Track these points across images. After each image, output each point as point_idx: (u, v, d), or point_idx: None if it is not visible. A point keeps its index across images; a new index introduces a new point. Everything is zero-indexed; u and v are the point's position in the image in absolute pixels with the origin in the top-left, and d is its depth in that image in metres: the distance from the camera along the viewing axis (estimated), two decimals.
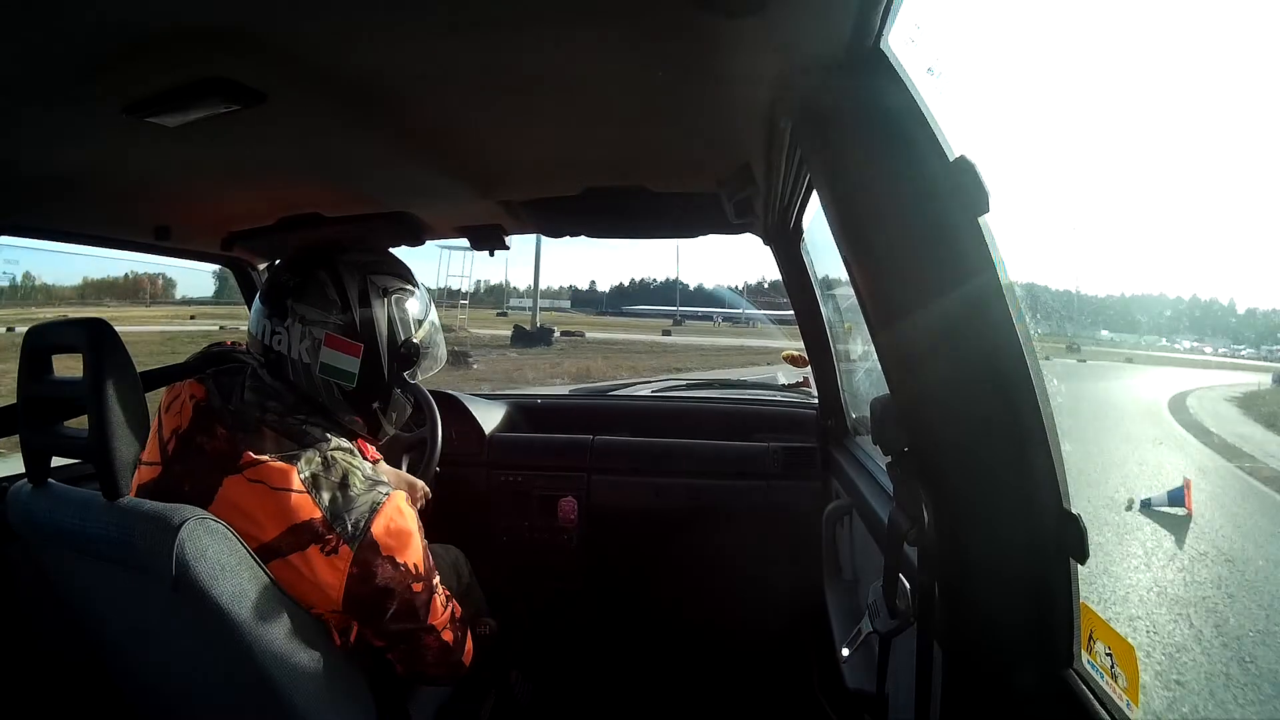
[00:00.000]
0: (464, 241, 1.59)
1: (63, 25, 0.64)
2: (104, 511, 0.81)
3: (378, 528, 0.87)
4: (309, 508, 0.85)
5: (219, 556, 0.78)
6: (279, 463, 0.86)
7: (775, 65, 0.64)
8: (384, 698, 1.01)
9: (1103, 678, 0.56)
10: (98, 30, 0.66)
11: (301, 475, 0.86)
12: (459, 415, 1.92)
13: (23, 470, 0.94)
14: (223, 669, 0.87)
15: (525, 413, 2.14)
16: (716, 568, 1.84)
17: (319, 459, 0.88)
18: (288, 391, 0.92)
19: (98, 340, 0.80)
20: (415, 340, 0.98)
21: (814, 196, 1.12)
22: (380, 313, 0.94)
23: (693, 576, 1.87)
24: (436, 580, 0.97)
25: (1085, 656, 0.58)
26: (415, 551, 0.92)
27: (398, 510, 0.90)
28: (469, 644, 1.07)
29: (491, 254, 1.63)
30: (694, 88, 0.82)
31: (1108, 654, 0.56)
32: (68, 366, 0.90)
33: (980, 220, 0.57)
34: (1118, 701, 0.55)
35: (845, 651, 0.81)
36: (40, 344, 0.89)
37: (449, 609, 1.01)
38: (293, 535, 0.84)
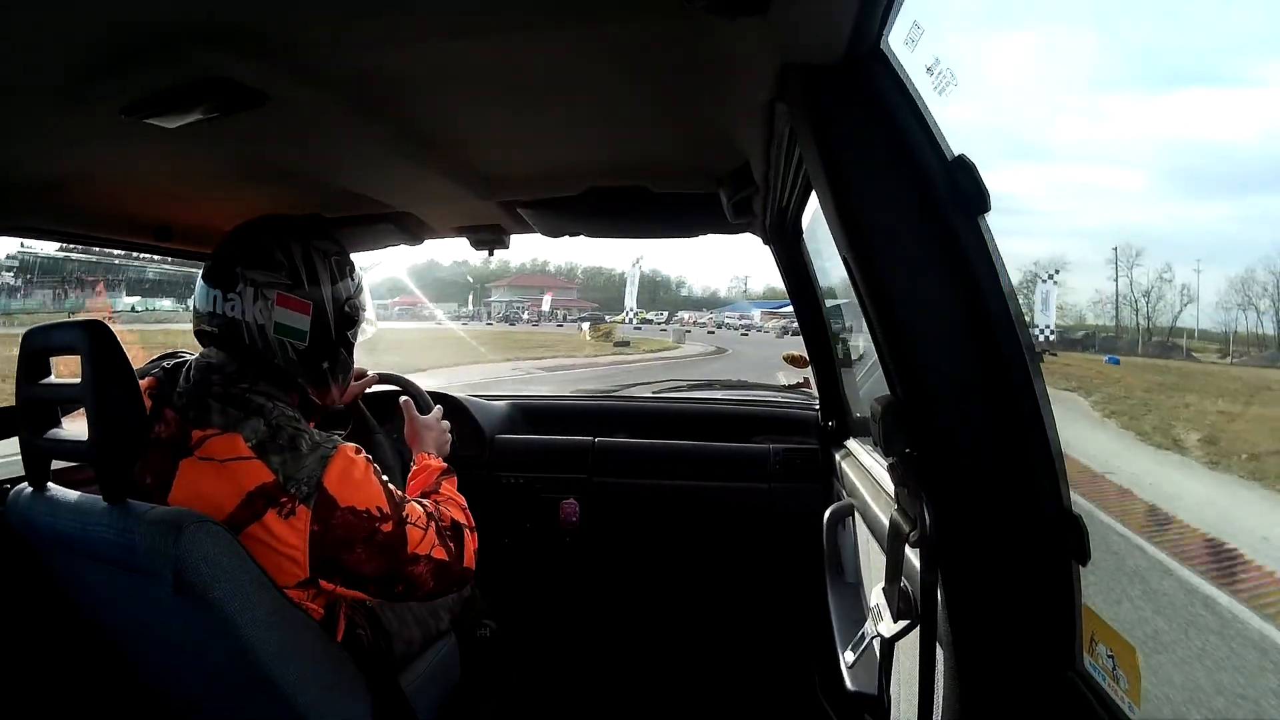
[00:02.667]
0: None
1: (62, 26, 0.64)
2: (105, 515, 0.81)
3: (330, 479, 0.87)
4: (260, 472, 0.85)
5: (220, 559, 0.78)
6: (224, 435, 0.87)
7: (775, 65, 0.64)
8: (387, 698, 1.01)
9: (1104, 680, 0.56)
10: (97, 31, 0.65)
11: (249, 443, 0.87)
12: (460, 416, 1.91)
13: (22, 473, 0.94)
14: (225, 670, 0.87)
15: (526, 413, 2.14)
16: (718, 570, 1.84)
17: (264, 425, 0.89)
18: (232, 361, 0.94)
19: (97, 342, 0.80)
20: (356, 301, 1.03)
21: (813, 196, 1.12)
22: (324, 274, 0.99)
23: (694, 578, 1.87)
24: (406, 510, 0.94)
25: (1087, 658, 0.58)
26: (374, 493, 0.91)
27: (348, 459, 0.90)
28: (468, 545, 1.03)
29: (490, 254, 1.63)
30: (694, 88, 0.82)
31: (1109, 656, 0.56)
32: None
33: (980, 220, 0.57)
34: (1119, 703, 0.55)
35: (849, 656, 0.81)
36: (39, 346, 0.89)
37: (430, 528, 0.97)
38: (248, 504, 0.84)
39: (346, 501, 0.88)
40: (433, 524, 0.98)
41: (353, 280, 1.04)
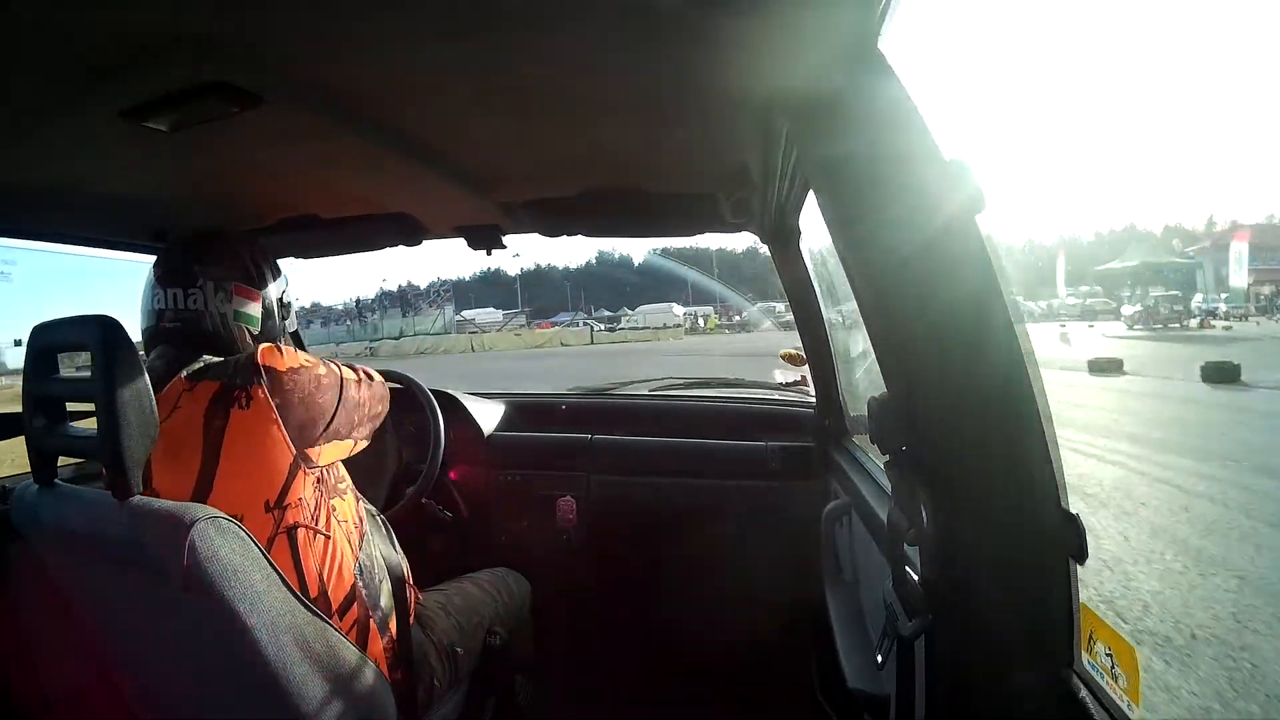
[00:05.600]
0: None
1: (61, 30, 0.64)
2: (113, 511, 0.80)
3: (264, 358, 0.95)
4: (206, 388, 0.93)
5: (231, 557, 0.78)
6: (165, 390, 0.93)
7: (773, 65, 0.64)
8: (401, 701, 1.01)
9: (1103, 678, 0.56)
10: (95, 35, 0.65)
11: (186, 378, 0.95)
12: (458, 415, 1.91)
13: (26, 470, 0.94)
14: (234, 670, 0.86)
15: (523, 412, 2.14)
16: (716, 568, 1.84)
17: (201, 363, 0.98)
18: (189, 347, 1.01)
19: (107, 338, 0.79)
20: (285, 295, 1.16)
21: (810, 195, 1.12)
22: (266, 270, 1.11)
23: (692, 576, 1.87)
24: (345, 372, 1.06)
25: (1085, 657, 0.58)
26: (306, 356, 1.01)
27: (268, 346, 0.98)
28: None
29: (489, 253, 1.63)
30: (692, 88, 0.82)
31: (1108, 654, 0.56)
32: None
33: (976, 220, 0.57)
34: (1118, 702, 0.55)
35: (879, 659, 0.81)
36: (47, 342, 0.88)
37: (346, 372, 1.08)
38: (209, 424, 0.91)
39: (287, 365, 0.97)
40: (347, 369, 1.09)
41: (284, 278, 1.17)
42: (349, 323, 38.96)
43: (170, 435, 0.89)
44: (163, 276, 1.03)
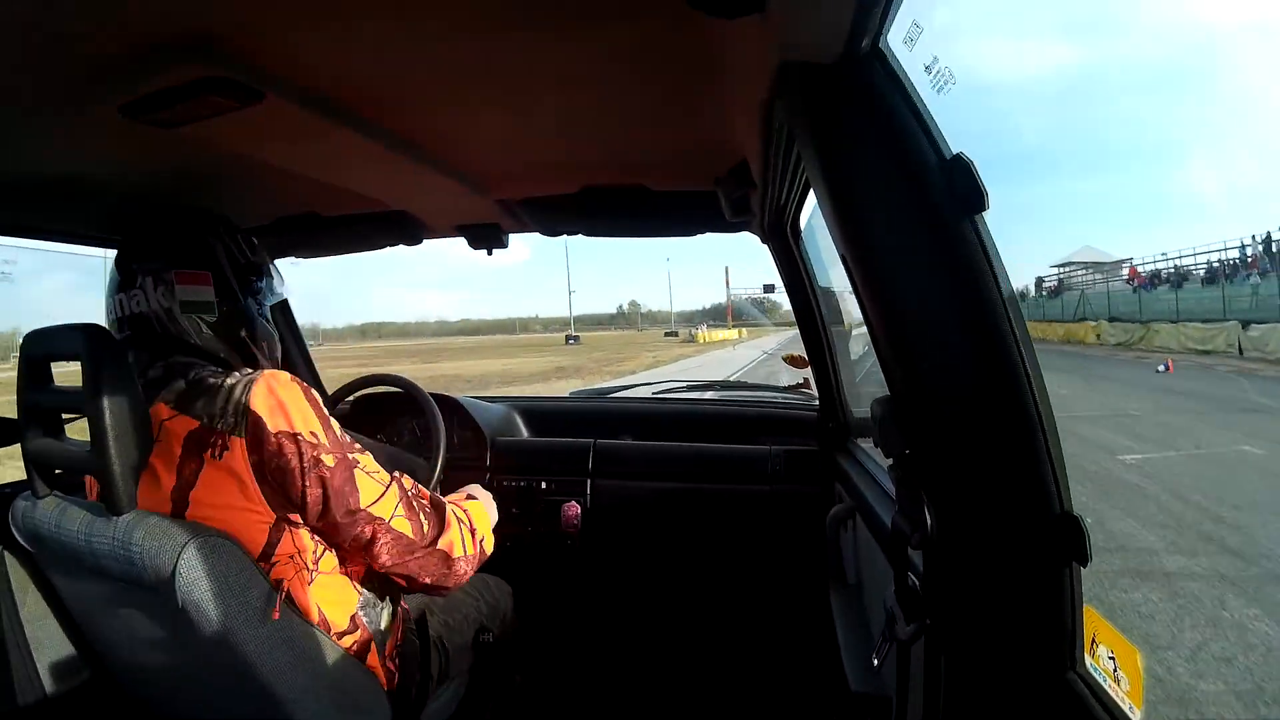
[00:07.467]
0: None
1: (61, 28, 0.64)
2: (108, 526, 0.79)
3: (257, 402, 0.82)
4: (184, 424, 0.82)
5: (224, 573, 0.77)
6: (150, 408, 0.84)
7: (773, 64, 0.64)
8: (395, 702, 1.01)
9: (1105, 681, 0.56)
10: (96, 33, 0.65)
11: (169, 404, 0.84)
12: (460, 419, 1.91)
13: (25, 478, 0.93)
14: (229, 685, 0.86)
15: (526, 416, 2.14)
16: (719, 572, 1.83)
17: (183, 383, 0.86)
18: (150, 350, 0.91)
19: (97, 348, 0.78)
20: (254, 258, 1.00)
21: (812, 194, 1.12)
22: (215, 244, 0.97)
23: (696, 580, 1.87)
24: (356, 455, 0.89)
25: (1088, 660, 0.58)
26: (309, 418, 0.85)
27: (276, 380, 0.85)
28: (456, 539, 0.97)
29: (490, 253, 1.63)
30: (692, 87, 0.82)
31: (1110, 657, 0.56)
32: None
33: (978, 219, 0.57)
34: (1121, 705, 0.54)
35: (875, 662, 0.80)
36: (39, 352, 0.87)
37: (394, 492, 0.91)
38: (182, 468, 0.81)
39: (277, 425, 0.82)
40: (396, 488, 0.92)
41: (243, 242, 1.01)
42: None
43: (152, 464, 0.83)
44: (110, 284, 0.95)
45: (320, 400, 0.89)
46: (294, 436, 0.83)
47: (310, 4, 0.63)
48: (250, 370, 0.91)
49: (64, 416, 0.93)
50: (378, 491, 0.89)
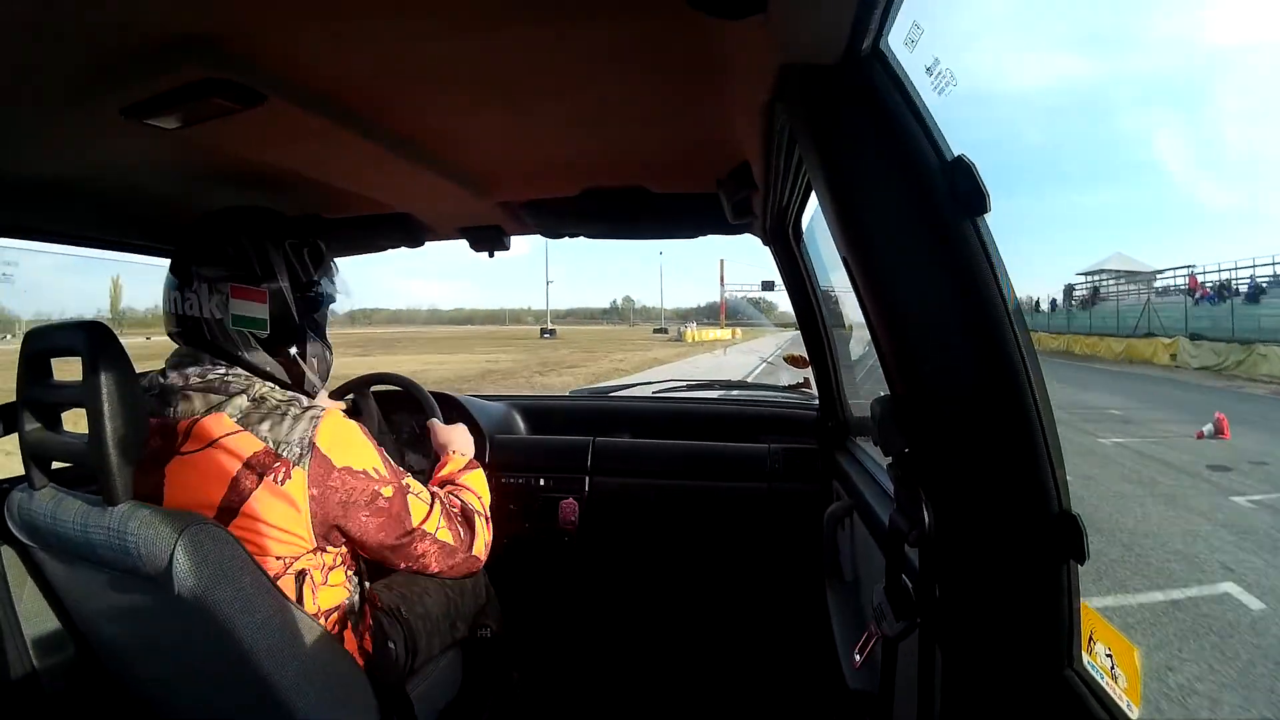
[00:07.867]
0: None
1: (62, 29, 0.65)
2: (104, 517, 0.80)
3: (323, 439, 0.86)
4: (249, 442, 0.85)
5: (220, 562, 0.78)
6: (208, 417, 0.86)
7: (774, 65, 0.64)
8: (393, 705, 1.01)
9: (1103, 678, 0.56)
10: (97, 34, 0.66)
11: (234, 418, 0.86)
12: (459, 417, 1.91)
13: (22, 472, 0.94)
14: (225, 673, 0.87)
15: (525, 414, 2.14)
16: (717, 569, 1.84)
17: (246, 400, 0.89)
18: (204, 355, 0.94)
19: (96, 344, 0.79)
20: (321, 284, 1.02)
21: (813, 196, 1.12)
22: (278, 262, 0.97)
23: (693, 578, 1.87)
24: (407, 480, 0.97)
25: (1085, 657, 0.58)
26: (370, 455, 0.92)
27: (340, 420, 0.90)
28: (480, 534, 1.06)
29: (491, 255, 1.63)
30: (693, 88, 0.82)
31: (1108, 655, 0.56)
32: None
33: (979, 220, 0.57)
34: (1118, 702, 0.55)
35: (856, 657, 0.81)
36: (39, 347, 0.88)
37: (435, 507, 1.00)
38: (238, 482, 0.83)
39: (343, 462, 0.87)
40: (438, 504, 1.00)
41: (313, 263, 1.02)
42: None
43: (194, 470, 0.85)
44: (169, 276, 0.98)
45: (369, 432, 0.95)
46: (357, 474, 0.89)
47: (313, 7, 0.63)
48: (299, 394, 0.94)
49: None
50: (424, 510, 0.98)
